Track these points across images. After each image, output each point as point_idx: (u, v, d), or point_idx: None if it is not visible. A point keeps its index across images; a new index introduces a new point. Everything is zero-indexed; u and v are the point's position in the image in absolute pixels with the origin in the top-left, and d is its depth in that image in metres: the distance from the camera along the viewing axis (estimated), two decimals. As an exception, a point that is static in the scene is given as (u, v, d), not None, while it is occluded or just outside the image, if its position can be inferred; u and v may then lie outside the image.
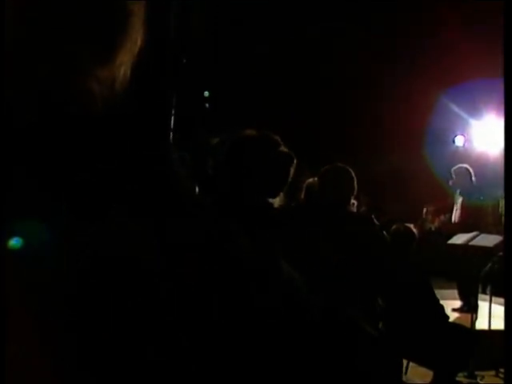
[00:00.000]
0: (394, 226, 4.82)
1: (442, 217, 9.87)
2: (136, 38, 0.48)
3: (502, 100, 1.84)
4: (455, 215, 7.45)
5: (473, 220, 6.80)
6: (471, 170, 7.26)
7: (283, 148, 2.36)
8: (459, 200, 7.37)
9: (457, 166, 7.36)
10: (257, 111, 8.24)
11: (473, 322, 5.32)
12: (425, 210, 10.73)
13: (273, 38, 8.99)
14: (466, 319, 5.51)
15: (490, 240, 5.58)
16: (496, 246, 5.34)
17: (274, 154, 2.32)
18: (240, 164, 2.29)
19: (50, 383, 0.41)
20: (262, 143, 2.31)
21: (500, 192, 6.10)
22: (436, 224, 10.64)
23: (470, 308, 5.84)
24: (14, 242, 0.40)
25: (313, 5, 9.10)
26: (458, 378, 4.61)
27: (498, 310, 4.56)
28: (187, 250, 0.47)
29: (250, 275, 0.49)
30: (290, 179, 2.40)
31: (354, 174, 3.46)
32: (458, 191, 7.36)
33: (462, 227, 6.71)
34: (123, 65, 0.48)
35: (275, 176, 2.33)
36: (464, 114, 10.35)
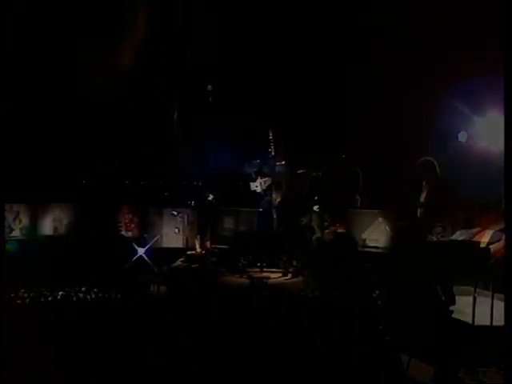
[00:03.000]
0: (398, 223, 4.82)
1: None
2: (139, 30, 0.48)
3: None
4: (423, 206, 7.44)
5: (437, 211, 6.77)
6: (436, 163, 7.30)
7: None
8: (424, 192, 7.38)
9: (422, 159, 7.38)
10: (259, 109, 8.27)
11: (473, 318, 5.31)
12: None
13: (273, 37, 9.02)
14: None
15: (493, 236, 5.58)
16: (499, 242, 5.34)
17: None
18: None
19: (50, 383, 0.41)
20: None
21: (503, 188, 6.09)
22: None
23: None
24: (10, 245, 0.40)
25: (313, 4, 9.13)
26: (459, 375, 4.61)
27: (500, 307, 4.56)
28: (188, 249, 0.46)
29: (252, 274, 0.49)
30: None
31: (359, 172, 3.46)
32: (424, 183, 7.39)
33: (427, 219, 6.66)
34: (125, 55, 0.48)
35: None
36: (467, 111, 10.31)
